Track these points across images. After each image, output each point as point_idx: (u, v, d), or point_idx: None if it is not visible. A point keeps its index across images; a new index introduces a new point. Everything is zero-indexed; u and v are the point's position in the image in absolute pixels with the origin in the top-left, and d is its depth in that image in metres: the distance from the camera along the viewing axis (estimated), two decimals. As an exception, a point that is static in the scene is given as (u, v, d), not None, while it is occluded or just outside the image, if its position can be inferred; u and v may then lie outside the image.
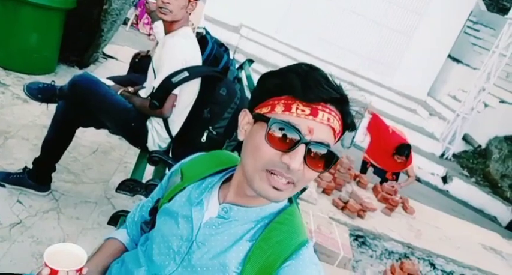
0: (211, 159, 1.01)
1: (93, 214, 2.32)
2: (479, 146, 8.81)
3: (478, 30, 10.83)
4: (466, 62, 9.82)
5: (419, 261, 4.06)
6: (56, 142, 2.16)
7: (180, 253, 0.87)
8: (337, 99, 0.77)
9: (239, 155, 1.03)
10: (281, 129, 0.75)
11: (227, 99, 1.98)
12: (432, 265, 4.15)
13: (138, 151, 2.24)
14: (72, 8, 3.42)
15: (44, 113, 2.90)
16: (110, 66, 4.39)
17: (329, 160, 0.78)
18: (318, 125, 0.75)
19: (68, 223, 2.17)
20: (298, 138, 0.75)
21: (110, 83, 2.19)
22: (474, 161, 8.66)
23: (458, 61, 9.91)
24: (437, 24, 8.81)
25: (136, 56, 3.20)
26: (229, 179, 0.93)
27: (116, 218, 1.54)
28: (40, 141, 2.19)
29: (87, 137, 2.91)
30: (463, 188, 7.61)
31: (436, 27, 8.84)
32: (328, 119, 0.76)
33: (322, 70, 0.80)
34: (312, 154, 0.76)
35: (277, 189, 0.77)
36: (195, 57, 2.01)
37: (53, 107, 2.19)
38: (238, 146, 2.05)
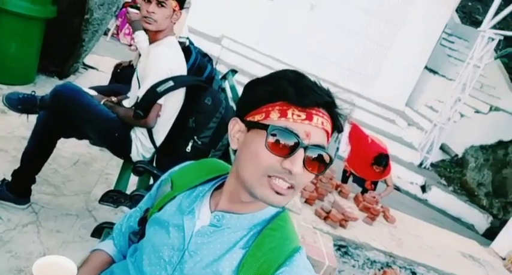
0: (201, 167, 1.00)
1: (74, 227, 2.26)
2: (456, 155, 8.98)
3: (452, 42, 11.11)
4: (442, 73, 10.04)
5: (401, 270, 4.09)
6: (37, 153, 2.11)
7: (172, 263, 0.85)
8: (329, 102, 0.80)
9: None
10: (280, 135, 0.77)
11: (212, 108, 1.98)
12: (414, 273, 4.19)
13: (120, 162, 2.20)
14: (52, 17, 3.37)
15: (23, 124, 2.84)
16: (90, 77, 4.32)
17: (325, 162, 0.81)
18: (313, 128, 0.78)
19: (48, 237, 2.12)
20: (297, 143, 0.77)
21: (93, 92, 2.16)
22: (451, 170, 8.82)
23: (434, 72, 10.13)
24: (415, 36, 9.01)
25: (118, 66, 3.17)
26: (220, 187, 0.92)
27: (100, 231, 1.50)
28: (19, 153, 2.13)
29: (67, 149, 2.85)
30: (441, 197, 7.72)
31: (413, 38, 9.04)
32: (322, 123, 0.79)
33: (308, 76, 0.83)
34: (310, 158, 0.79)
35: (280, 194, 0.79)
36: (180, 67, 2.00)
37: (33, 118, 2.15)
38: (223, 156, 2.04)
